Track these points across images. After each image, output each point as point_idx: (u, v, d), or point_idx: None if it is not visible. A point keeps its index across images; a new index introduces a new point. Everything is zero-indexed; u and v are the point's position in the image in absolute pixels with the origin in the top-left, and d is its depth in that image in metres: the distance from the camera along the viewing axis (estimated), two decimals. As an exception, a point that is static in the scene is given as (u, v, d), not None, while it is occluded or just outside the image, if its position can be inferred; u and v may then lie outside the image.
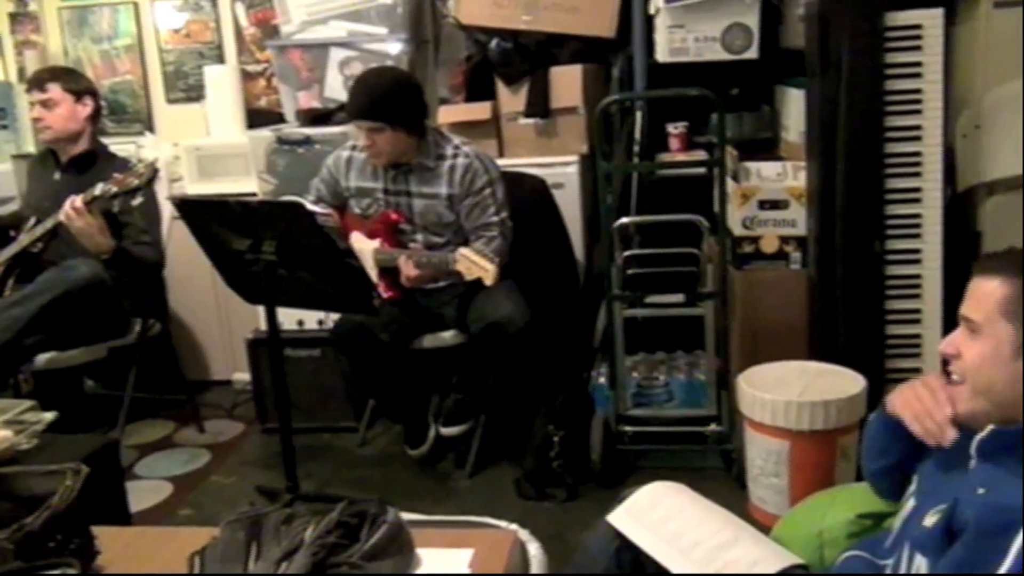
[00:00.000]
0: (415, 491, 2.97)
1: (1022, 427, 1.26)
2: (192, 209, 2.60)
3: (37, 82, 3.25)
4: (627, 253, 3.08)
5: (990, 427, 1.28)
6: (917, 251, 2.68)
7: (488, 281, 2.61)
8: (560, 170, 3.38)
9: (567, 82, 3.39)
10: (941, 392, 1.33)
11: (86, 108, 3.25)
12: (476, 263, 2.62)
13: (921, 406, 1.33)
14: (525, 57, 3.43)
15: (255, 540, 1.26)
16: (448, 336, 3.03)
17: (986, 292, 1.29)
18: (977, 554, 1.17)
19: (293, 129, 3.41)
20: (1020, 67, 2.66)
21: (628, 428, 3.02)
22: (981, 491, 1.22)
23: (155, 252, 3.21)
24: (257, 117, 3.82)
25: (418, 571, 1.27)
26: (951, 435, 1.30)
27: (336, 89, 3.46)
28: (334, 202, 3.06)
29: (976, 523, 1.18)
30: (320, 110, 3.47)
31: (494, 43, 3.46)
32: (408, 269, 2.83)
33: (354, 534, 1.22)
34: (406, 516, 1.31)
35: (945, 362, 1.36)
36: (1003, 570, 1.14)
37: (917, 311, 2.71)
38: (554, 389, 3.06)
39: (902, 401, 1.38)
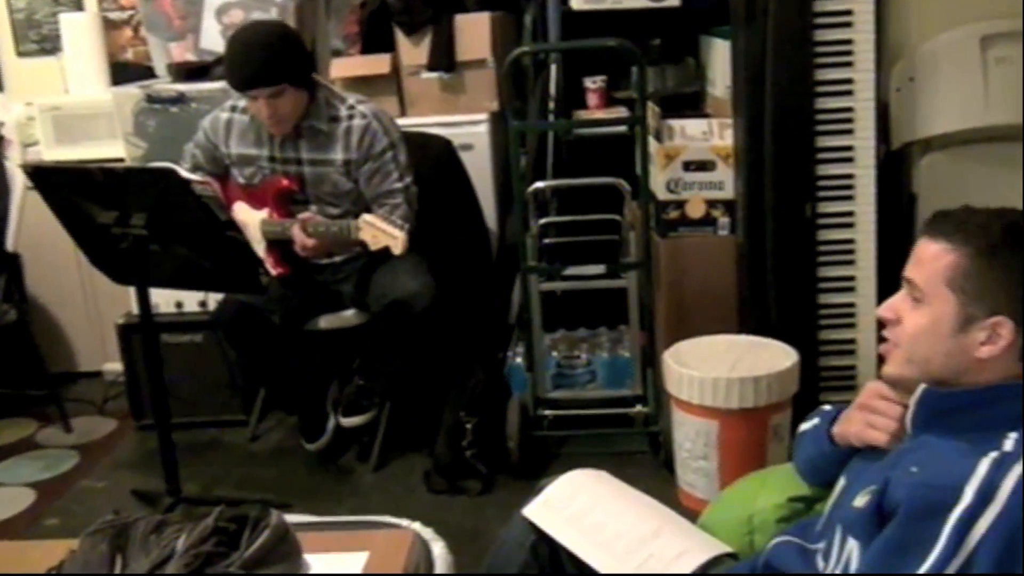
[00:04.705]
0: (314, 489, 2.95)
1: (954, 391, 1.30)
2: (48, 178, 2.53)
3: None
4: (543, 221, 3.09)
5: (922, 387, 1.32)
6: (850, 214, 2.75)
7: (397, 250, 2.59)
8: (468, 130, 3.36)
9: (474, 32, 3.36)
10: (879, 401, 1.40)
11: None
12: (383, 230, 2.60)
13: (876, 423, 1.40)
14: (427, 3, 3.38)
15: (120, 551, 1.23)
16: (347, 316, 3.01)
17: (932, 256, 1.31)
18: (909, 536, 1.20)
19: (164, 85, 3.32)
20: (956, 15, 2.74)
21: (547, 412, 3.04)
22: (914, 469, 1.26)
23: None
24: (123, 72, 3.72)
25: (306, 579, 1.25)
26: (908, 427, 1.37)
27: (213, 39, 3.38)
28: (213, 170, 2.98)
29: (908, 503, 1.22)
30: (195, 63, 3.38)
31: (392, -12, 3.41)
32: (303, 239, 2.78)
33: (233, 541, 1.20)
34: (294, 519, 1.29)
35: (882, 324, 1.39)
36: (936, 551, 1.18)
37: (851, 278, 2.78)
38: (466, 372, 3.05)
39: (855, 430, 1.44)
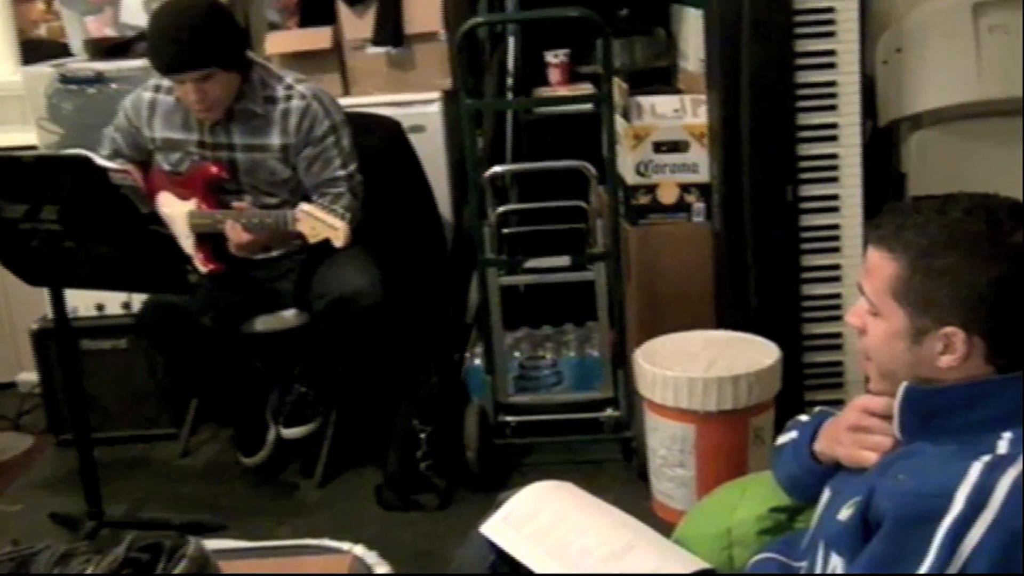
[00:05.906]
0: (252, 509, 2.93)
1: (939, 387, 1.30)
2: (-52, 168, 2.48)
3: None
4: (502, 209, 3.09)
5: (903, 386, 1.32)
6: (834, 197, 2.76)
7: (338, 242, 2.59)
8: (419, 110, 3.37)
9: (425, 2, 3.35)
10: (869, 419, 1.39)
11: None
12: (322, 220, 2.59)
13: (867, 443, 1.39)
14: (372, -29, 3.37)
15: (21, 587, 1.19)
16: (286, 316, 3.00)
17: (876, 266, 1.33)
18: (897, 548, 1.20)
19: (81, 64, 3.29)
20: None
21: (510, 418, 3.03)
22: (901, 477, 1.25)
23: None
24: (34, 49, 3.65)
25: (232, 613, 1.23)
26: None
27: (134, 13, 3.35)
28: (135, 156, 2.97)
29: (895, 513, 1.21)
30: (115, 39, 3.36)
31: (333, -46, 3.40)
32: (236, 234, 2.76)
33: (147, 573, 1.17)
34: (219, 545, 1.27)
35: None
36: (926, 564, 1.17)
37: (836, 267, 2.80)
38: (419, 376, 3.06)
39: (845, 452, 1.42)
